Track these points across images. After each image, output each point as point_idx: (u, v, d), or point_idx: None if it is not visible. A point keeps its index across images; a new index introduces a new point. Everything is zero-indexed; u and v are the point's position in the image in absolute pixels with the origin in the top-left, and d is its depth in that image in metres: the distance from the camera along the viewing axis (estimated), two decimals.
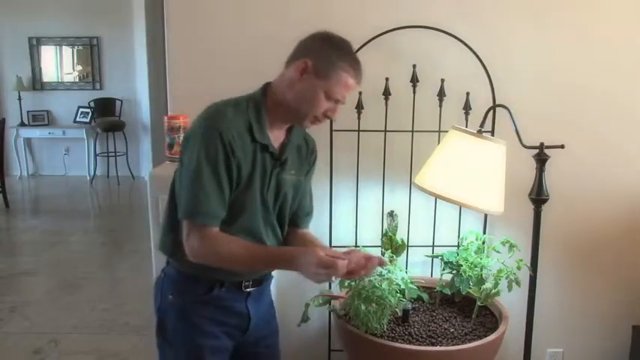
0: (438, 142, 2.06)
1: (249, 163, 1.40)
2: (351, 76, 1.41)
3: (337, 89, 1.40)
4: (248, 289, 1.51)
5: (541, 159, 1.76)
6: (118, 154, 7.50)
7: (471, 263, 1.94)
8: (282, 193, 1.50)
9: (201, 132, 1.35)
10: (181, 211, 1.38)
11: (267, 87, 1.48)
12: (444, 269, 2.02)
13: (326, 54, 1.39)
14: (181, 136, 2.09)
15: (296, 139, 1.53)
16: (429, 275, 2.29)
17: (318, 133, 2.19)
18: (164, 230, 1.50)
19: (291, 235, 1.61)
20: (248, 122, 1.40)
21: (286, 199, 1.52)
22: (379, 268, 1.93)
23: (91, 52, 7.65)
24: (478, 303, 1.96)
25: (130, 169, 7.53)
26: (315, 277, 1.32)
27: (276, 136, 1.47)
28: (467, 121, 2.15)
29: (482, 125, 1.83)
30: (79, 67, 7.75)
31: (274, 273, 2.35)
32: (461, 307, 2.07)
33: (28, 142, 7.79)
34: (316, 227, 2.25)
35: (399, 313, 1.91)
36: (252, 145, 1.40)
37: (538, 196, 1.78)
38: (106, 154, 7.56)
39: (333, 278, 1.49)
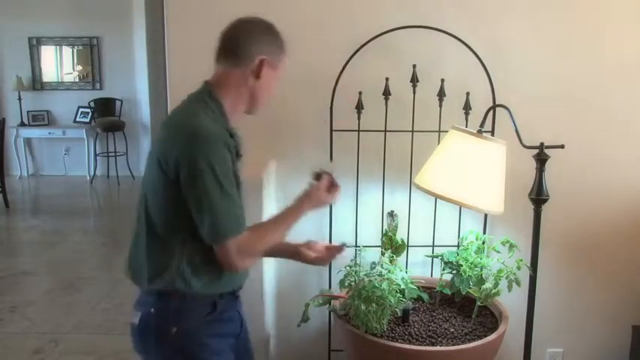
0: (438, 142, 2.06)
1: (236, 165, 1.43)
2: (286, 57, 1.51)
3: (282, 73, 1.52)
4: (237, 294, 1.54)
5: (541, 159, 1.76)
6: (118, 154, 7.50)
7: (471, 263, 1.94)
8: (241, 186, 1.48)
9: (205, 150, 1.30)
10: (220, 232, 1.33)
11: (213, 85, 1.46)
12: (444, 269, 2.02)
13: (273, 46, 1.47)
14: None
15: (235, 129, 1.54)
16: (429, 275, 2.29)
17: (318, 133, 2.20)
18: (159, 260, 1.38)
19: None
20: (223, 126, 1.41)
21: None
22: (379, 268, 1.94)
23: (91, 52, 7.65)
24: (478, 303, 1.96)
25: (130, 169, 7.53)
26: (323, 199, 1.56)
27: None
28: (467, 121, 2.15)
29: (482, 125, 1.83)
30: (79, 67, 7.75)
31: (274, 275, 2.36)
32: (461, 307, 2.07)
33: (28, 142, 7.78)
34: (316, 227, 2.26)
35: (399, 313, 1.91)
36: (231, 141, 1.41)
37: (538, 196, 1.78)
38: (106, 154, 7.56)
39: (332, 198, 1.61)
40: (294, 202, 1.55)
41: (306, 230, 2.17)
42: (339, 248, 1.70)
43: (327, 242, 1.75)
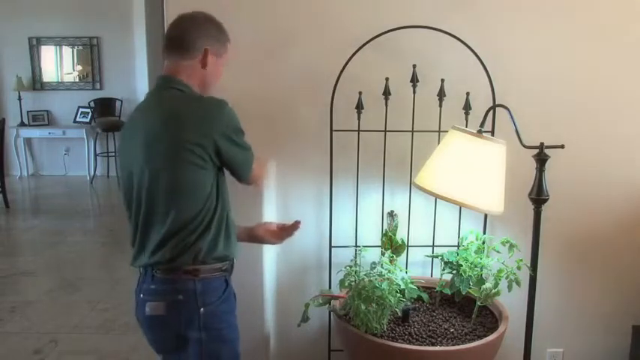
0: (438, 142, 2.06)
1: None
2: (230, 41, 1.67)
3: (226, 58, 1.68)
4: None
5: (541, 159, 1.76)
6: (118, 154, 7.49)
7: (471, 263, 1.94)
8: None
9: (231, 117, 1.54)
10: (249, 170, 1.64)
11: (173, 78, 1.58)
12: (444, 269, 2.02)
13: (216, 35, 1.62)
14: None
15: None
16: (429, 275, 2.29)
17: (318, 133, 2.20)
18: (180, 240, 1.50)
19: None
20: None
21: None
22: (379, 268, 1.94)
23: (91, 52, 7.66)
24: (478, 303, 1.96)
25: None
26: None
27: None
28: (467, 121, 2.15)
29: (482, 125, 1.83)
30: (79, 67, 7.75)
31: (274, 276, 2.36)
32: (461, 307, 2.07)
33: (28, 142, 7.79)
34: (316, 227, 2.26)
35: (399, 313, 1.91)
36: None
37: (538, 196, 1.78)
38: (106, 154, 7.56)
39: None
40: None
41: (306, 230, 2.18)
42: (294, 225, 1.84)
43: (281, 223, 1.90)
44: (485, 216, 2.23)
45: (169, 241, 1.49)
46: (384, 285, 1.84)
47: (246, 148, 1.61)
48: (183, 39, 1.57)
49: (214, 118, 1.49)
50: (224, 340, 1.59)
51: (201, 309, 1.52)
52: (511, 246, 1.93)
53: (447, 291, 2.01)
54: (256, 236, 1.85)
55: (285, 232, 1.86)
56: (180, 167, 1.47)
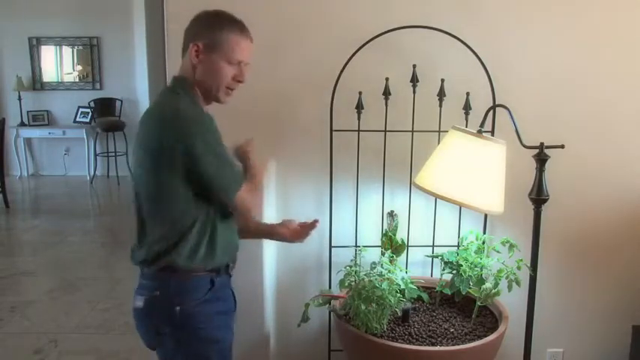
0: (438, 142, 2.06)
1: None
2: (240, 35, 1.53)
3: (235, 52, 1.52)
4: (231, 272, 1.65)
5: (541, 159, 1.76)
6: (118, 154, 7.50)
7: (471, 263, 1.94)
8: None
9: (199, 123, 1.43)
10: (230, 191, 1.50)
11: (177, 78, 1.55)
12: (444, 269, 2.02)
13: (209, 28, 1.51)
14: None
15: None
16: (429, 275, 2.29)
17: (318, 133, 2.20)
18: (162, 242, 1.48)
19: None
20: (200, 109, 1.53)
21: None
22: (379, 268, 1.94)
23: (91, 52, 7.66)
24: (478, 303, 1.96)
25: (130, 169, 7.52)
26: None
27: None
28: (467, 121, 2.15)
29: (482, 125, 1.83)
30: (79, 67, 7.75)
31: (274, 275, 2.36)
32: (461, 307, 2.07)
33: (28, 142, 7.79)
34: (317, 227, 2.26)
35: (399, 313, 1.91)
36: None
37: (538, 196, 1.78)
38: (106, 154, 7.56)
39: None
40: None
41: None
42: (312, 224, 1.82)
43: (300, 221, 1.86)
44: (485, 216, 2.23)
45: (151, 244, 1.51)
46: (384, 285, 1.84)
47: (220, 161, 1.47)
48: (184, 37, 1.56)
49: (171, 126, 1.41)
50: (206, 340, 1.53)
51: (177, 307, 1.49)
52: (511, 246, 1.93)
53: (447, 291, 2.01)
54: (278, 234, 1.82)
55: (305, 230, 1.83)
56: (148, 174, 1.46)
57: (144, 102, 7.06)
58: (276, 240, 1.89)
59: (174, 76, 1.57)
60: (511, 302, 1.99)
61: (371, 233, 2.27)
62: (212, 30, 1.50)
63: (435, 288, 2.07)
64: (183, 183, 1.44)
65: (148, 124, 1.46)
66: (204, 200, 1.49)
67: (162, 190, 1.45)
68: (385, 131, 2.20)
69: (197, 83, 1.53)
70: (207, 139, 1.42)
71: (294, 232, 1.83)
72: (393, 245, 2.10)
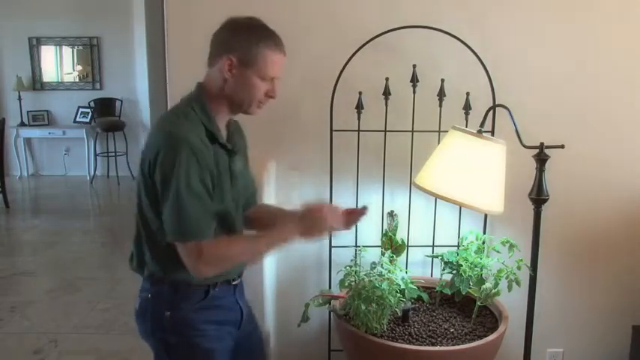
0: (438, 142, 2.06)
1: (215, 167, 1.42)
2: (275, 51, 1.44)
3: (268, 69, 1.43)
4: (235, 282, 1.57)
5: (541, 159, 1.76)
6: (118, 154, 7.50)
7: (471, 263, 1.94)
8: (238, 181, 1.53)
9: (171, 151, 1.33)
10: (170, 234, 1.37)
11: (201, 87, 1.49)
12: (444, 269, 2.02)
13: (244, 42, 1.41)
14: None
15: (233, 126, 1.57)
16: (429, 275, 2.29)
17: (318, 133, 2.20)
18: (154, 251, 1.45)
19: (253, 214, 1.66)
20: (204, 127, 1.42)
21: (242, 187, 1.57)
22: (379, 268, 1.94)
23: (91, 52, 7.65)
24: (478, 303, 1.96)
25: (130, 169, 7.52)
26: (310, 231, 1.46)
27: (222, 130, 1.50)
28: (467, 121, 2.15)
29: (482, 125, 1.83)
30: (79, 67, 7.75)
31: (274, 275, 2.35)
32: (461, 307, 2.07)
33: (28, 142, 7.78)
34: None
35: (399, 313, 1.91)
36: (212, 148, 1.42)
37: (538, 196, 1.78)
38: (106, 154, 7.56)
39: (328, 230, 1.51)
40: (283, 227, 1.49)
41: None
42: (362, 211, 1.61)
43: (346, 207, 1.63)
44: (485, 216, 2.23)
45: (143, 256, 1.49)
46: (384, 285, 1.84)
47: (170, 192, 1.33)
48: (212, 45, 1.47)
49: (158, 144, 1.36)
50: (194, 348, 1.48)
51: (167, 312, 1.45)
52: (511, 246, 1.93)
53: (447, 291, 2.01)
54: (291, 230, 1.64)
55: (352, 217, 1.59)
56: (139, 182, 1.44)
57: (144, 102, 7.07)
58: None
59: (198, 84, 1.49)
60: (511, 302, 1.99)
61: (371, 233, 2.27)
62: (247, 44, 1.41)
63: (435, 288, 2.07)
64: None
65: (148, 135, 1.45)
66: None
67: (141, 200, 1.44)
68: (385, 131, 2.20)
69: (226, 96, 1.45)
70: (178, 174, 1.32)
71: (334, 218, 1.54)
72: (393, 245, 2.10)
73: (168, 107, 2.24)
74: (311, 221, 1.46)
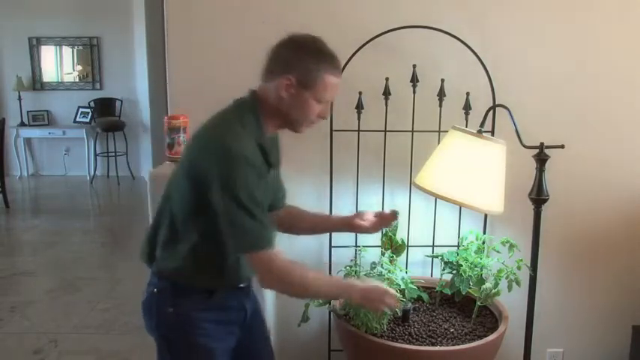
0: (438, 142, 2.06)
1: (266, 177, 1.46)
2: (334, 75, 1.44)
3: (326, 93, 1.44)
4: (242, 285, 1.58)
5: (541, 159, 1.76)
6: (118, 154, 7.50)
7: (471, 263, 1.94)
8: (269, 187, 1.54)
9: (232, 166, 1.34)
10: (239, 247, 1.40)
11: (255, 97, 1.48)
12: (444, 269, 2.02)
13: (305, 64, 1.40)
14: (181, 136, 2.09)
15: (274, 139, 1.58)
16: (429, 275, 2.29)
17: (318, 133, 2.20)
18: (170, 250, 1.47)
19: (283, 217, 1.71)
20: (257, 139, 1.43)
21: (271, 191, 1.60)
22: (379, 268, 1.94)
23: (91, 52, 7.65)
24: (478, 303, 1.96)
25: (130, 169, 7.53)
26: (368, 304, 1.54)
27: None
28: (467, 121, 2.15)
29: (482, 125, 1.83)
30: (79, 67, 7.75)
31: None
32: (461, 307, 2.07)
33: (28, 142, 7.78)
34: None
35: (399, 313, 1.91)
36: (261, 158, 1.43)
37: (538, 196, 1.78)
38: (106, 154, 7.56)
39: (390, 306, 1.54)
40: (350, 283, 1.57)
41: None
42: (392, 215, 1.71)
43: (376, 210, 1.77)
44: (485, 216, 2.23)
45: (158, 254, 1.51)
46: (384, 285, 1.84)
47: (231, 206, 1.34)
48: (271, 60, 1.46)
49: (211, 155, 1.36)
50: (195, 346, 1.49)
51: (170, 309, 1.47)
52: (511, 246, 1.93)
53: (447, 291, 2.01)
54: (352, 226, 1.73)
55: (382, 221, 1.72)
56: (176, 182, 1.45)
57: (144, 102, 7.07)
58: (350, 232, 1.78)
59: (252, 93, 1.48)
60: (511, 302, 1.99)
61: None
62: (308, 67, 1.40)
63: (435, 288, 2.07)
64: (199, 212, 1.40)
65: (198, 141, 1.42)
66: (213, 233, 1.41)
67: (179, 204, 1.44)
68: (385, 131, 2.20)
69: (279, 113, 1.46)
70: (241, 188, 1.34)
71: (370, 223, 1.71)
72: (393, 245, 2.10)
73: (169, 107, 2.25)
74: (372, 302, 1.52)
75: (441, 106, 2.16)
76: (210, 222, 1.37)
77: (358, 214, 1.75)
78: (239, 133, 1.38)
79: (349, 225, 1.74)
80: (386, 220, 1.73)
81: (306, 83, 1.41)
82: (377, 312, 1.58)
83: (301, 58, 1.41)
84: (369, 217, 1.73)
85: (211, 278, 1.49)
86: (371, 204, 2.26)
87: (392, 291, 1.53)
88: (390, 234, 2.12)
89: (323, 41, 1.45)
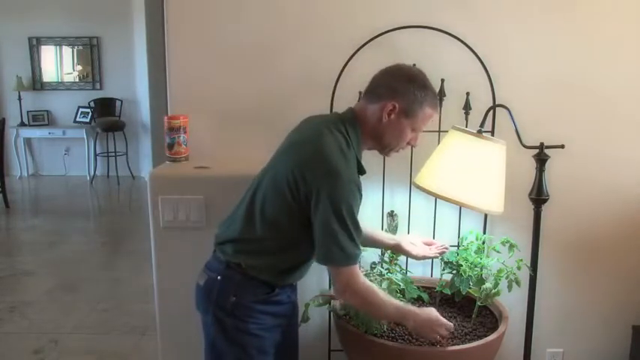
0: (438, 142, 2.06)
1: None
2: (434, 109, 1.60)
3: (422, 124, 1.60)
4: (294, 283, 1.73)
5: (541, 159, 1.76)
6: (118, 154, 7.51)
7: (471, 263, 1.94)
8: None
9: (339, 185, 1.44)
10: (332, 259, 1.49)
11: (355, 116, 1.59)
12: (444, 269, 2.02)
13: (412, 95, 1.54)
14: (181, 136, 2.10)
15: None
16: (429, 275, 2.29)
17: None
18: (249, 242, 1.57)
19: None
20: (358, 156, 1.57)
21: None
22: (379, 268, 1.94)
23: (91, 52, 7.66)
24: (478, 303, 1.96)
25: (130, 169, 7.53)
26: (420, 333, 1.65)
27: None
28: (467, 121, 2.15)
29: (482, 125, 1.83)
30: (79, 67, 7.76)
31: None
32: (461, 307, 2.07)
33: (28, 142, 7.79)
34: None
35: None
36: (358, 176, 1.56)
37: (538, 196, 1.78)
38: (106, 154, 7.57)
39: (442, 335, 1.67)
40: (410, 309, 1.64)
41: None
42: (440, 250, 1.93)
43: (424, 238, 1.96)
44: (486, 216, 2.23)
45: (235, 239, 1.59)
46: (384, 285, 1.84)
47: (332, 223, 1.44)
48: (377, 84, 1.59)
49: (311, 164, 1.47)
50: (248, 333, 1.59)
51: (233, 297, 1.56)
52: (511, 246, 1.93)
53: (447, 291, 2.01)
54: (401, 250, 1.92)
55: (428, 252, 1.95)
56: (273, 181, 1.53)
57: (144, 102, 7.08)
58: (400, 253, 1.97)
59: (352, 111, 1.62)
60: (511, 302, 1.99)
61: None
62: (414, 98, 1.54)
63: (435, 288, 2.07)
64: (297, 220, 1.51)
65: (302, 152, 1.51)
66: (300, 238, 1.54)
67: (274, 201, 1.52)
68: None
69: (375, 134, 1.59)
70: (345, 207, 1.44)
71: (417, 250, 1.93)
72: None
73: (169, 107, 2.25)
74: (425, 331, 1.64)
75: (440, 106, 2.16)
76: (305, 231, 1.50)
77: (407, 238, 1.94)
78: (346, 153, 1.49)
79: (393, 248, 1.93)
80: (431, 253, 1.94)
81: (407, 112, 1.54)
82: (431, 340, 1.69)
83: (409, 90, 1.54)
84: (417, 243, 1.93)
85: (282, 277, 1.61)
86: (371, 204, 2.26)
87: (444, 321, 1.63)
88: (390, 234, 2.12)
89: (426, 76, 1.60)
